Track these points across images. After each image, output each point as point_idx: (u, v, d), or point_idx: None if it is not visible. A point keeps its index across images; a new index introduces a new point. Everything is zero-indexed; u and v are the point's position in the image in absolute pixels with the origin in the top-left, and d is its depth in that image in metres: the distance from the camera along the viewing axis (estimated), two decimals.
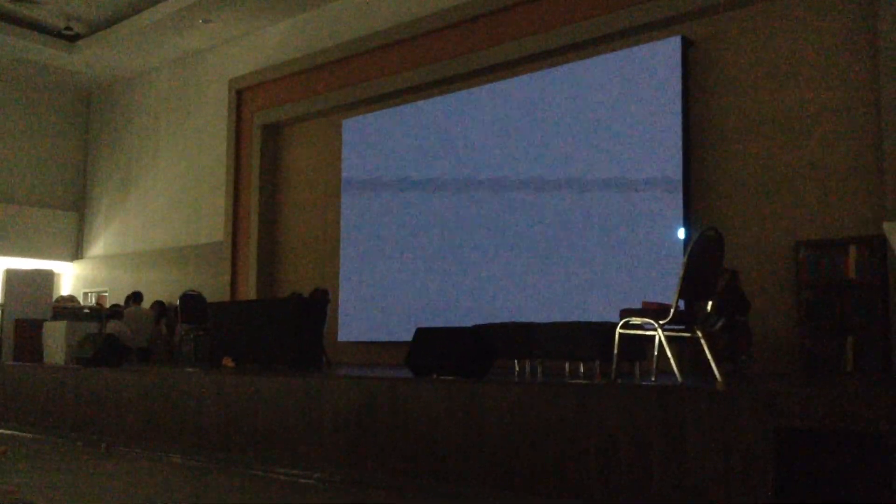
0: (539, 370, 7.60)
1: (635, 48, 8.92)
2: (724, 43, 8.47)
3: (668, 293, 7.77)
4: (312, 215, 12.49)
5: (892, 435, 3.70)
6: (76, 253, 16.83)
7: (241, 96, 13.39)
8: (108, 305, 13.77)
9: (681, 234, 8.27)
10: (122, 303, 13.31)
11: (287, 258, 12.80)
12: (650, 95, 8.70)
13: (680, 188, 8.35)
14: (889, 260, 6.99)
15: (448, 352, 5.57)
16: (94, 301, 15.04)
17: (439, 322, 9.83)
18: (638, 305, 6.51)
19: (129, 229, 15.75)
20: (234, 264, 13.08)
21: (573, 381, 5.21)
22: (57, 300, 12.09)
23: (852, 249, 7.15)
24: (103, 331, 11.05)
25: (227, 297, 12.81)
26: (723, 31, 8.48)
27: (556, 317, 8.64)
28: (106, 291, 15.34)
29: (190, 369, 7.95)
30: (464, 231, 10.33)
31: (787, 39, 8.07)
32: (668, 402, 4.39)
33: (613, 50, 9.09)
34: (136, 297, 12.32)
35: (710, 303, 5.46)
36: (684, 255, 5.21)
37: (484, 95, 10.29)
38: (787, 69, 8.04)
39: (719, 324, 7.22)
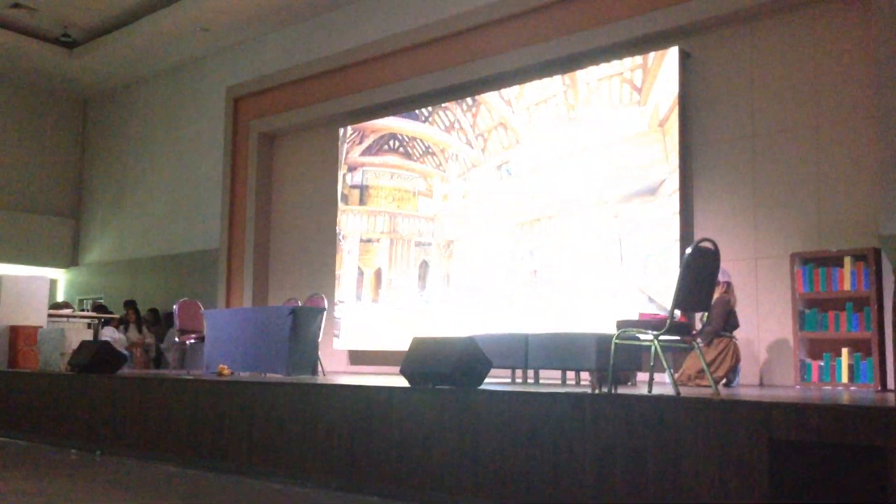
0: (535, 381, 7.61)
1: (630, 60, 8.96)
2: (721, 54, 8.52)
3: (664, 304, 7.78)
4: (309, 223, 12.49)
5: (888, 448, 3.71)
6: (72, 260, 16.80)
7: (238, 104, 13.40)
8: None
9: (677, 245, 8.28)
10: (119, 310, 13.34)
11: (283, 266, 12.80)
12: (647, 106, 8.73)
13: (677, 199, 8.37)
14: (884, 272, 7.01)
15: (443, 361, 5.57)
16: (89, 308, 14.99)
17: (435, 331, 9.83)
18: (634, 317, 6.52)
19: (125, 236, 15.73)
20: (229, 272, 13.07)
21: (569, 391, 5.21)
22: (52, 307, 12.07)
23: (847, 262, 7.17)
24: (98, 338, 11.04)
25: (222, 305, 12.80)
26: (720, 42, 8.52)
27: (553, 328, 8.64)
28: (101, 298, 15.30)
29: (186, 377, 7.94)
30: (461, 238, 10.35)
31: (784, 52, 8.12)
32: (663, 413, 4.40)
33: (610, 61, 9.12)
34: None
35: (704, 314, 5.47)
36: (680, 266, 5.22)
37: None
38: (784, 81, 8.08)
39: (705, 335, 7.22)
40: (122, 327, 12.88)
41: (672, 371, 5.34)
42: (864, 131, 7.52)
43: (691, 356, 7.53)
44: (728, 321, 7.40)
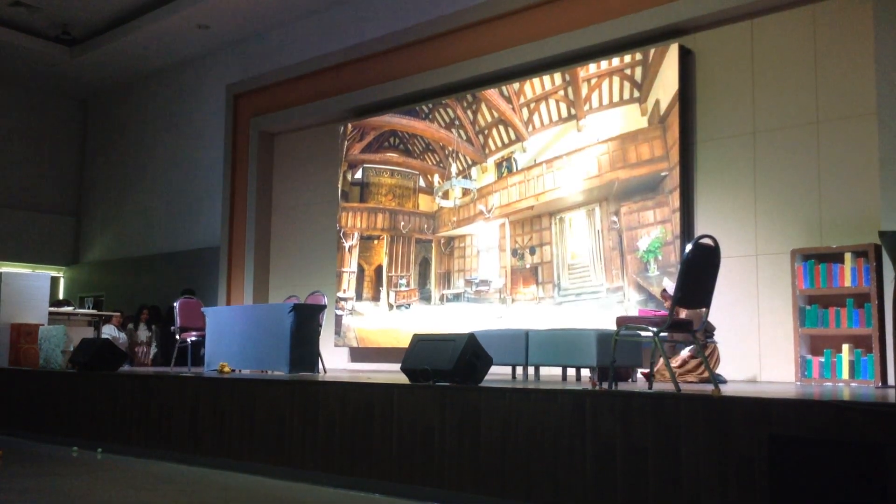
0: (535, 377, 7.61)
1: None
2: (721, 51, 8.50)
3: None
4: (309, 220, 12.49)
5: (888, 444, 3.72)
6: (73, 258, 16.82)
7: (238, 102, 13.39)
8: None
9: (678, 242, 8.28)
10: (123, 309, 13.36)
11: (283, 263, 12.80)
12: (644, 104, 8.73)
13: (677, 196, 8.36)
14: (884, 269, 7.01)
15: (444, 358, 5.57)
16: (90, 306, 15.02)
17: (436, 328, 9.84)
18: (635, 314, 6.53)
19: (126, 234, 15.74)
20: (230, 269, 13.08)
21: (569, 388, 5.21)
22: (53, 304, 12.07)
23: (848, 258, 7.17)
24: (99, 335, 11.05)
25: (223, 302, 12.81)
26: (721, 39, 8.51)
27: (553, 325, 8.64)
28: (102, 296, 15.32)
29: (186, 374, 7.94)
30: (461, 235, 10.35)
31: (785, 48, 8.10)
32: (663, 409, 4.40)
33: (610, 57, 9.11)
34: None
35: (706, 311, 5.46)
36: (681, 263, 5.21)
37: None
38: (784, 78, 8.06)
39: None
40: (131, 325, 12.90)
41: (672, 368, 5.33)
42: (865, 127, 7.51)
43: (671, 360, 7.59)
44: (705, 329, 7.47)
